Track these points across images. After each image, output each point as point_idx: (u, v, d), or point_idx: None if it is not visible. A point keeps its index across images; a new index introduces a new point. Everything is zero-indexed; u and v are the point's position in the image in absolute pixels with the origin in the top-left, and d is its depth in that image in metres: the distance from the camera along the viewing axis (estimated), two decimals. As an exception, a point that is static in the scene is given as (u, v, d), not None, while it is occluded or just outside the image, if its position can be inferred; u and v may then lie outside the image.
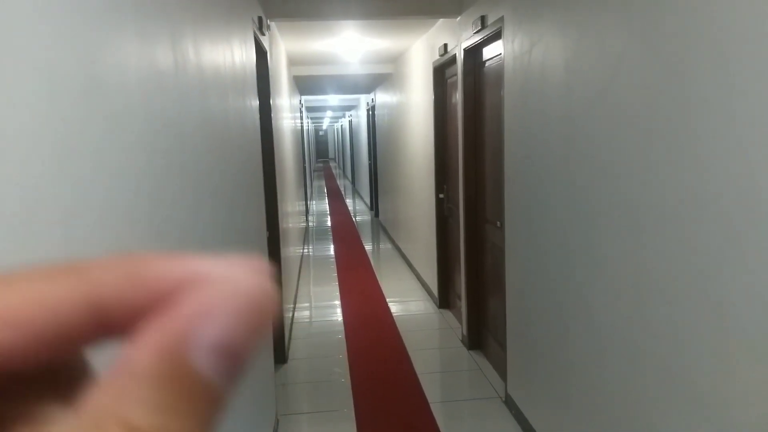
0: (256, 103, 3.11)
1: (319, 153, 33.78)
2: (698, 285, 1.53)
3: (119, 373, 0.12)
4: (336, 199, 14.69)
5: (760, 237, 1.31)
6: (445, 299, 5.08)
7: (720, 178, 1.43)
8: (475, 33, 3.54)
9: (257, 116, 3.15)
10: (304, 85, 8.82)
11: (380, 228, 9.63)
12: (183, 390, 0.12)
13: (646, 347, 1.79)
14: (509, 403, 3.17)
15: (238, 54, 2.52)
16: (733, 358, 1.42)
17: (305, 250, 7.89)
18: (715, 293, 1.47)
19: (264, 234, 3.26)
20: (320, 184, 18.79)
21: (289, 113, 6.31)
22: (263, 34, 3.53)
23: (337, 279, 6.34)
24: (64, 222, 0.77)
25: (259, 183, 3.12)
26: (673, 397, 1.67)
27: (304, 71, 7.45)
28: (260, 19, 3.45)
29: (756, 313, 1.33)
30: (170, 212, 1.30)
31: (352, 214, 11.74)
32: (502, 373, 3.35)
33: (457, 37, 4.05)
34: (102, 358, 0.14)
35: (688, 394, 1.60)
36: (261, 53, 3.45)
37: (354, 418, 3.20)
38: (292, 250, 5.47)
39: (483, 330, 4.03)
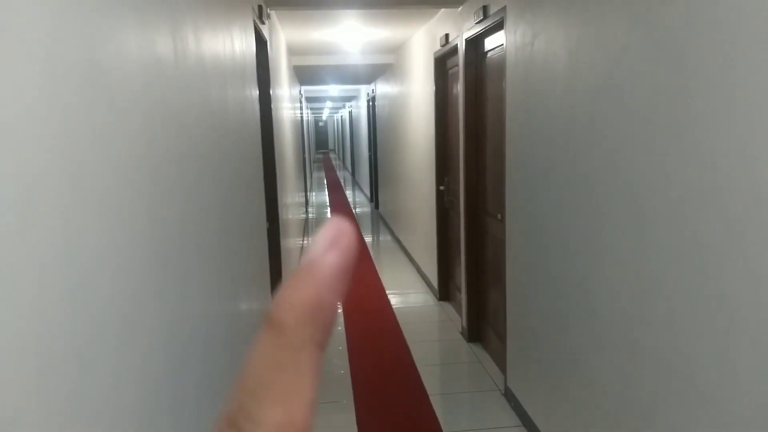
0: (255, 92, 3.09)
1: (319, 144, 33.68)
2: (699, 279, 1.52)
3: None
4: (336, 190, 14.66)
5: (762, 231, 1.30)
6: (445, 291, 5.07)
7: (723, 170, 1.42)
8: (476, 23, 3.51)
9: (257, 106, 3.13)
10: (303, 75, 8.78)
11: (380, 220, 9.62)
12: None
13: (645, 341, 1.79)
14: (508, 395, 3.17)
15: (238, 43, 2.49)
16: (733, 352, 1.41)
17: (305, 242, 7.88)
18: (717, 287, 1.46)
19: (264, 225, 3.25)
20: (320, 176, 18.75)
21: (289, 103, 6.28)
22: (263, 23, 3.50)
23: (336, 270, 6.32)
24: (63, 212, 0.76)
25: (259, 174, 3.10)
26: (671, 390, 1.66)
27: (303, 61, 7.41)
28: (260, 7, 3.42)
29: (757, 307, 1.32)
30: (169, 205, 1.29)
31: (351, 206, 11.72)
32: (502, 365, 3.34)
33: (458, 27, 4.02)
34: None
35: (686, 387, 1.60)
36: (261, 42, 3.42)
37: (353, 409, 3.20)
38: (292, 242, 5.46)
39: (483, 322, 4.03)
